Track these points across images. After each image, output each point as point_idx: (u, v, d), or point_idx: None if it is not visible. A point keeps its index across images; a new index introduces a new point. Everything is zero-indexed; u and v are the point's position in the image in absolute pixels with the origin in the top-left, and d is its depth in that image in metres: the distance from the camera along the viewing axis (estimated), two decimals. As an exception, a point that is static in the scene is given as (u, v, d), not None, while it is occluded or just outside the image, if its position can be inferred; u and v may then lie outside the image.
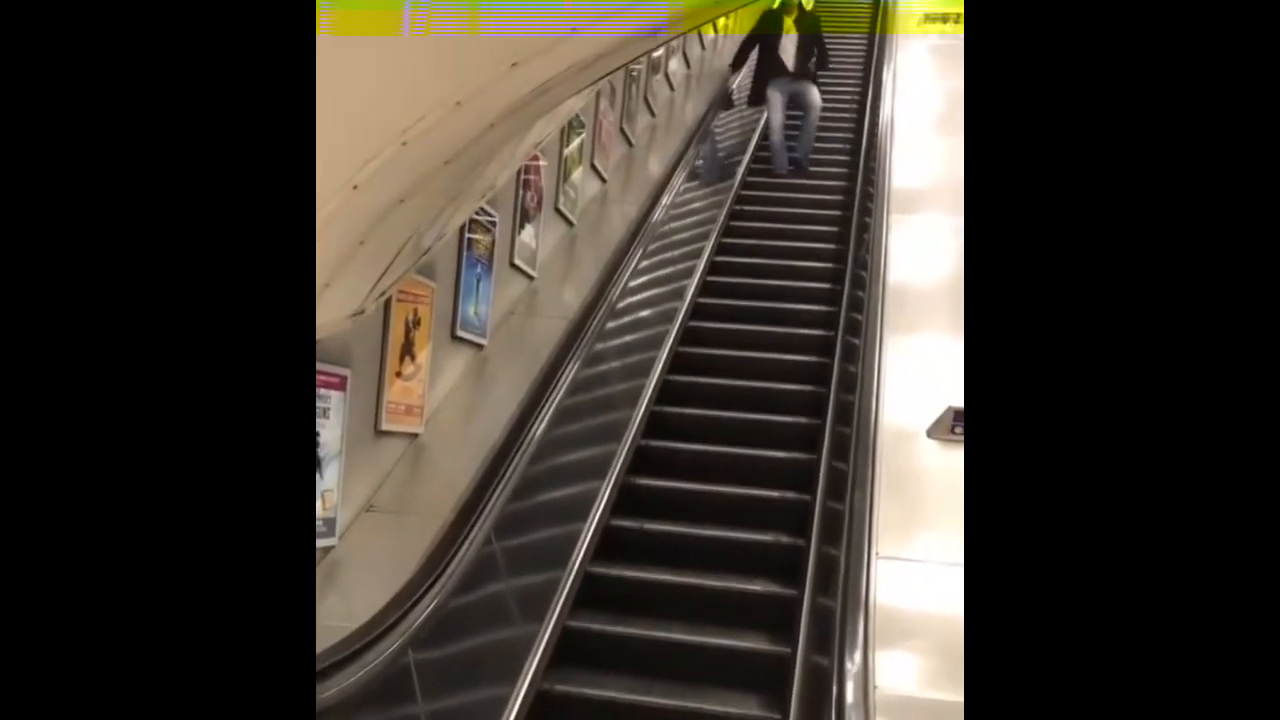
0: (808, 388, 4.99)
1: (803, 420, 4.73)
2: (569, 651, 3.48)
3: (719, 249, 6.22)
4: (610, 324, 5.31)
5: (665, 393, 4.89)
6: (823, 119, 7.70)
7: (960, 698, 3.31)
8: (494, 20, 2.33)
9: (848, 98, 8.81)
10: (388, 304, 3.79)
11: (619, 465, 4.21)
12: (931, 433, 4.41)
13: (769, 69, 7.01)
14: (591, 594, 3.74)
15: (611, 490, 4.08)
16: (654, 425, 4.66)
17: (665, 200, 7.04)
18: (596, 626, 3.64)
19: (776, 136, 6.83)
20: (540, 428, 4.20)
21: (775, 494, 4.30)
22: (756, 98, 7.26)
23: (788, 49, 6.94)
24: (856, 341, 4.99)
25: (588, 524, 3.87)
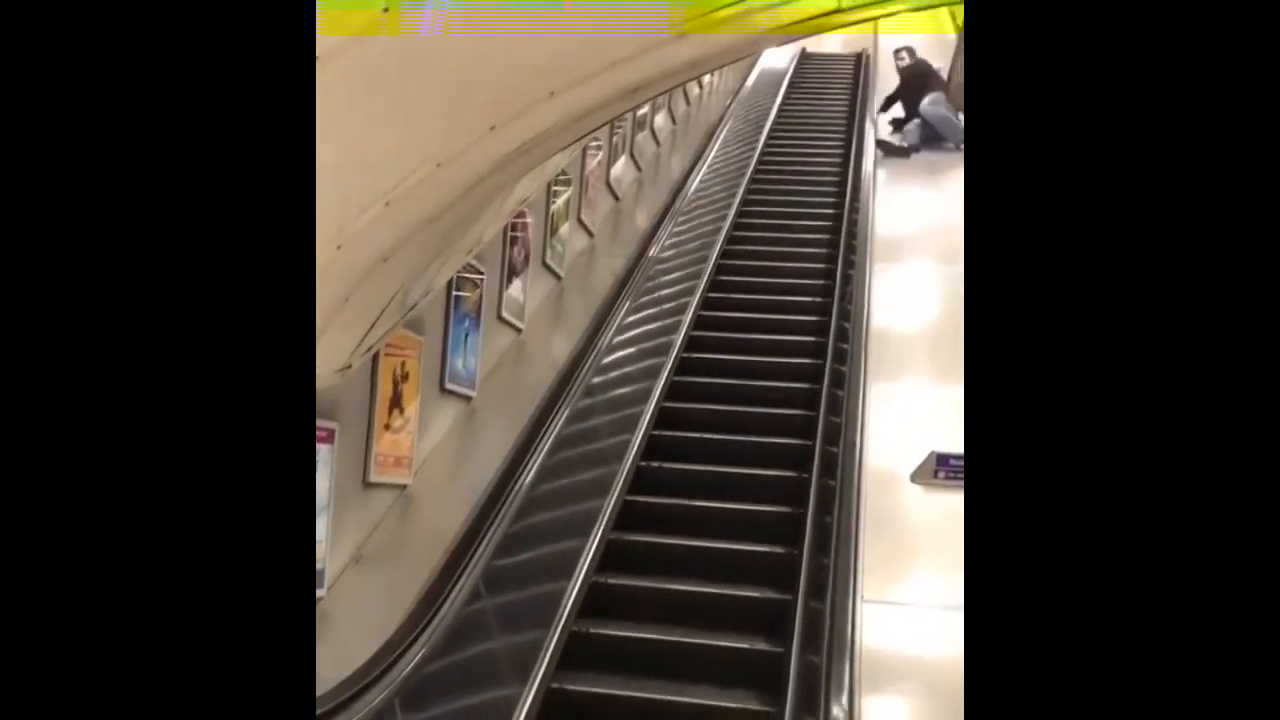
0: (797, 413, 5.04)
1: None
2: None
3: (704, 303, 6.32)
4: (609, 358, 5.39)
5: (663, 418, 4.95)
6: (810, 169, 8.17)
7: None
8: (473, 85, 2.42)
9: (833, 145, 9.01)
10: (376, 357, 3.86)
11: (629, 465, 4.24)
12: (915, 477, 4.47)
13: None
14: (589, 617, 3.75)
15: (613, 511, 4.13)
16: (647, 466, 4.71)
17: (652, 252, 7.16)
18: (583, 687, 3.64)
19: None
20: (529, 476, 4.25)
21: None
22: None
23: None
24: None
25: (589, 539, 3.92)
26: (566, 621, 3.67)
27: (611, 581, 4.07)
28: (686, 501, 4.60)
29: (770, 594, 4.00)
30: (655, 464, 4.82)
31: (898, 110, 9.37)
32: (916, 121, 9.06)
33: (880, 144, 8.81)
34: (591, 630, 3.80)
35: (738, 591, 4.05)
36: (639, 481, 4.66)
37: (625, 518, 4.41)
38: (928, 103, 8.89)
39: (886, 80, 10.44)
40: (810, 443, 4.73)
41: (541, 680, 3.39)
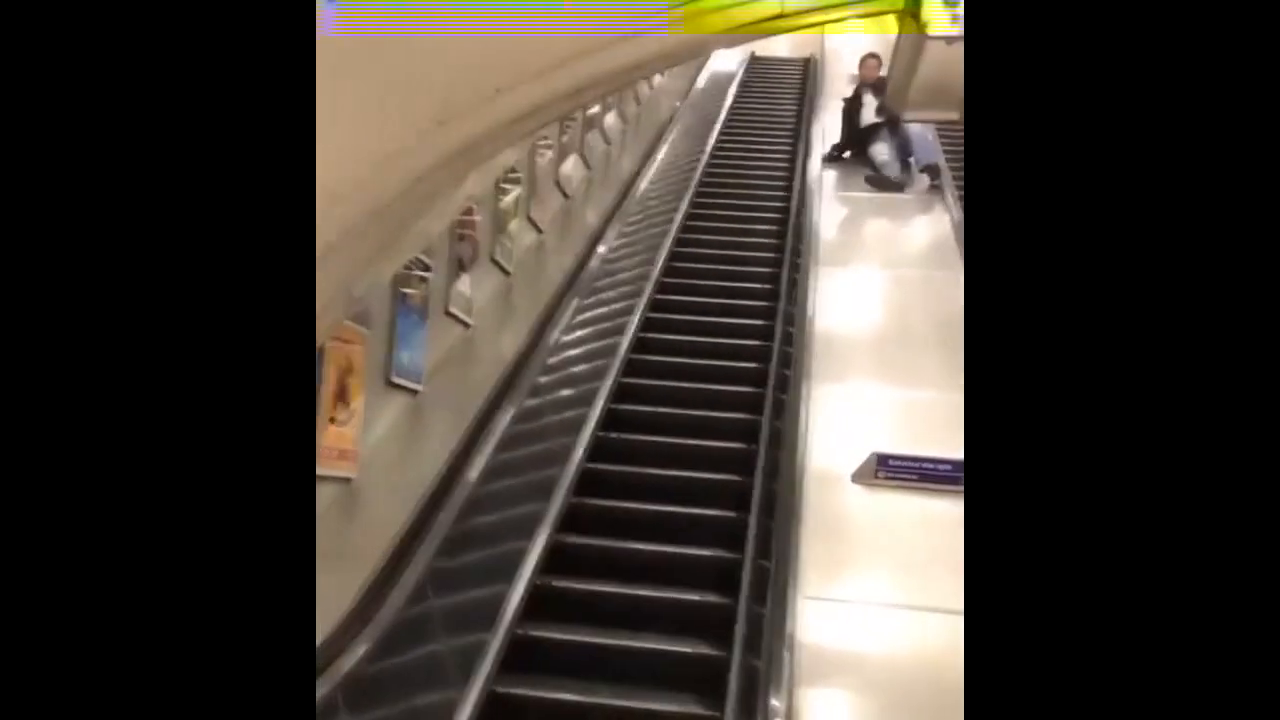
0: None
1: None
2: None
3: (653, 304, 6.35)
4: (554, 358, 5.36)
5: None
6: (758, 172, 8.19)
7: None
8: (418, 80, 2.41)
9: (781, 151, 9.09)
10: (321, 350, 3.83)
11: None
12: (856, 478, 4.55)
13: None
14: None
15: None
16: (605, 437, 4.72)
17: (601, 250, 7.16)
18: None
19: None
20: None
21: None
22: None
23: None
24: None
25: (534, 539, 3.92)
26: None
27: (553, 583, 4.08)
28: (634, 505, 4.58)
29: (714, 598, 3.99)
30: (602, 465, 4.84)
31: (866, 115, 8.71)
32: (885, 145, 8.45)
33: (871, 180, 8.37)
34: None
35: (681, 596, 4.05)
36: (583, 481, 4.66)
37: (570, 520, 4.41)
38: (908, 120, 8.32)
39: (834, 84, 10.58)
40: (754, 447, 4.75)
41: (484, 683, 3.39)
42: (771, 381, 5.23)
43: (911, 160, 8.42)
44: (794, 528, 4.18)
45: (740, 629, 3.49)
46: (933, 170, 8.24)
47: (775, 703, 3.27)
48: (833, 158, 8.94)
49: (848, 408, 5.20)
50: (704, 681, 3.52)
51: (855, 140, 8.82)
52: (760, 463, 4.50)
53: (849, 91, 9.26)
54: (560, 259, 6.85)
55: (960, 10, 3.11)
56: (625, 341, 5.69)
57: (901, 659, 3.68)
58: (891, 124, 8.37)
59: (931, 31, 3.04)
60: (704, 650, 3.69)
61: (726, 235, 7.42)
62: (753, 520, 4.10)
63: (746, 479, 4.50)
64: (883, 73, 8.09)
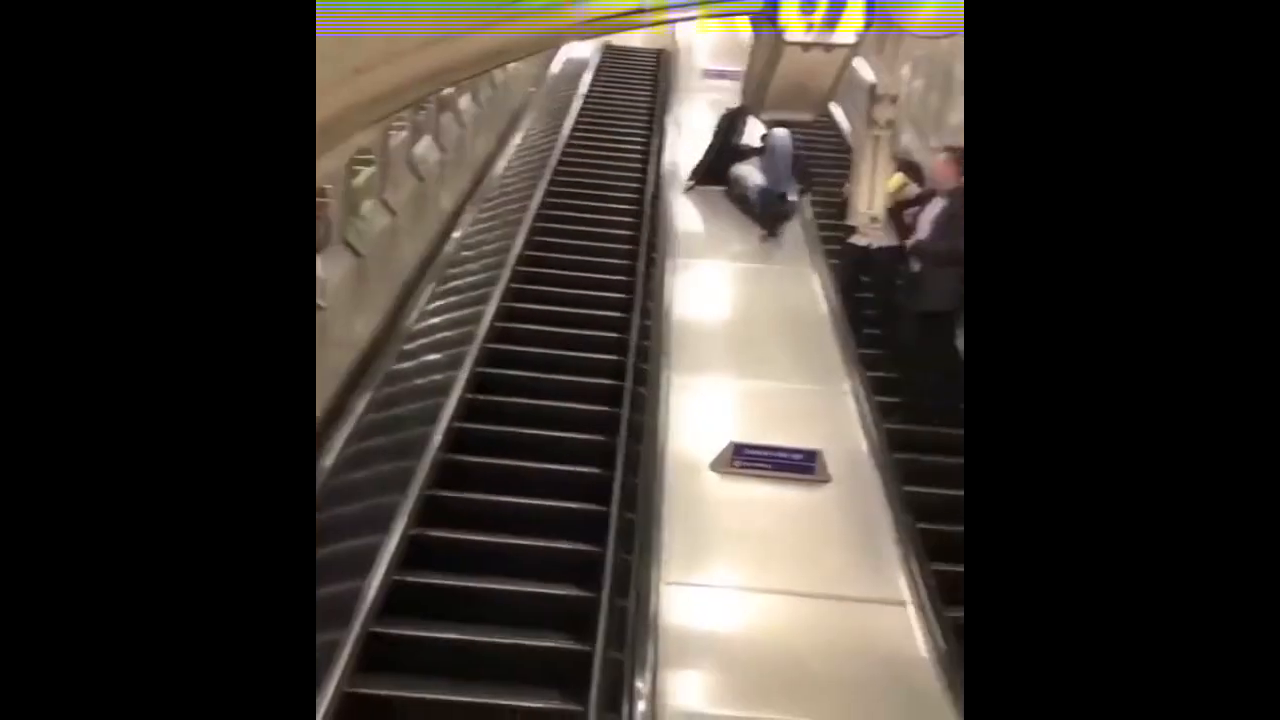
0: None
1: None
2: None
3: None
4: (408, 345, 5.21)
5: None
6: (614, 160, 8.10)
7: (746, 714, 3.42)
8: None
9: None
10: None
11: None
12: (714, 467, 4.64)
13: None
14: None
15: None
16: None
17: (457, 234, 7.02)
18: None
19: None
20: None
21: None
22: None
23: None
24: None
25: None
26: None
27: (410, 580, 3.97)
28: (492, 497, 4.50)
29: (575, 591, 3.92)
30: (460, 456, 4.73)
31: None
32: (755, 169, 7.53)
33: (732, 197, 7.57)
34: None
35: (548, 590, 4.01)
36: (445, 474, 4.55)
37: (428, 514, 4.30)
38: (779, 134, 7.35)
39: (687, 78, 10.70)
40: (613, 439, 4.73)
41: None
42: (629, 377, 5.20)
43: (785, 193, 7.39)
44: (655, 516, 4.23)
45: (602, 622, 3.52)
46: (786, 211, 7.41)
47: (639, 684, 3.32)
48: (695, 178, 8.00)
49: (704, 398, 5.28)
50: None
51: (725, 158, 7.84)
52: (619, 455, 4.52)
53: (703, 82, 9.21)
54: (414, 242, 6.68)
55: (816, 18, 3.21)
56: (482, 330, 5.59)
57: (756, 639, 3.78)
58: (771, 151, 7.45)
59: (789, 36, 3.12)
60: (567, 645, 3.70)
61: (583, 226, 7.37)
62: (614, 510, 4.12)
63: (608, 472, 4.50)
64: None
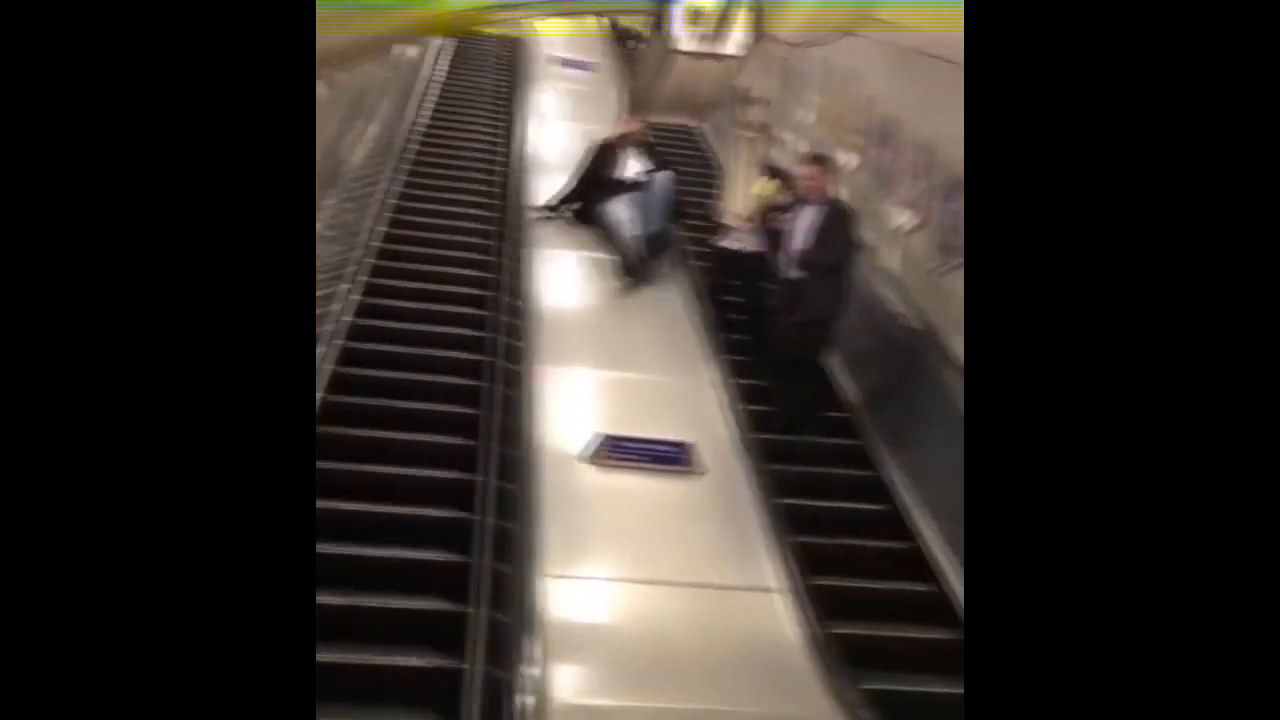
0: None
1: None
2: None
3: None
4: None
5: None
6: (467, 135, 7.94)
7: (626, 703, 3.49)
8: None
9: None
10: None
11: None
12: (584, 458, 4.66)
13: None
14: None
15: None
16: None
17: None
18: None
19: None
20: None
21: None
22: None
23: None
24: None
25: None
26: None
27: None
28: (370, 507, 4.37)
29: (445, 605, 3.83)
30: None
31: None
32: (631, 210, 6.54)
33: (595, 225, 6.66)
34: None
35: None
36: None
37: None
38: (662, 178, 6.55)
39: (537, 64, 10.59)
40: (476, 443, 4.69)
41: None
42: (499, 375, 5.16)
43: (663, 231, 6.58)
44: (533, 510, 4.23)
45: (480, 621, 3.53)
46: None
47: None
48: (555, 208, 6.96)
49: (574, 391, 5.30)
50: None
51: (595, 190, 6.83)
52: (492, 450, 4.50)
53: (552, 69, 8.96)
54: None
55: (701, 29, 3.30)
56: (345, 317, 5.43)
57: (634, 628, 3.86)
58: (650, 196, 6.58)
59: (678, 47, 3.20)
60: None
61: (443, 205, 7.22)
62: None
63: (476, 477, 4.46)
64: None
